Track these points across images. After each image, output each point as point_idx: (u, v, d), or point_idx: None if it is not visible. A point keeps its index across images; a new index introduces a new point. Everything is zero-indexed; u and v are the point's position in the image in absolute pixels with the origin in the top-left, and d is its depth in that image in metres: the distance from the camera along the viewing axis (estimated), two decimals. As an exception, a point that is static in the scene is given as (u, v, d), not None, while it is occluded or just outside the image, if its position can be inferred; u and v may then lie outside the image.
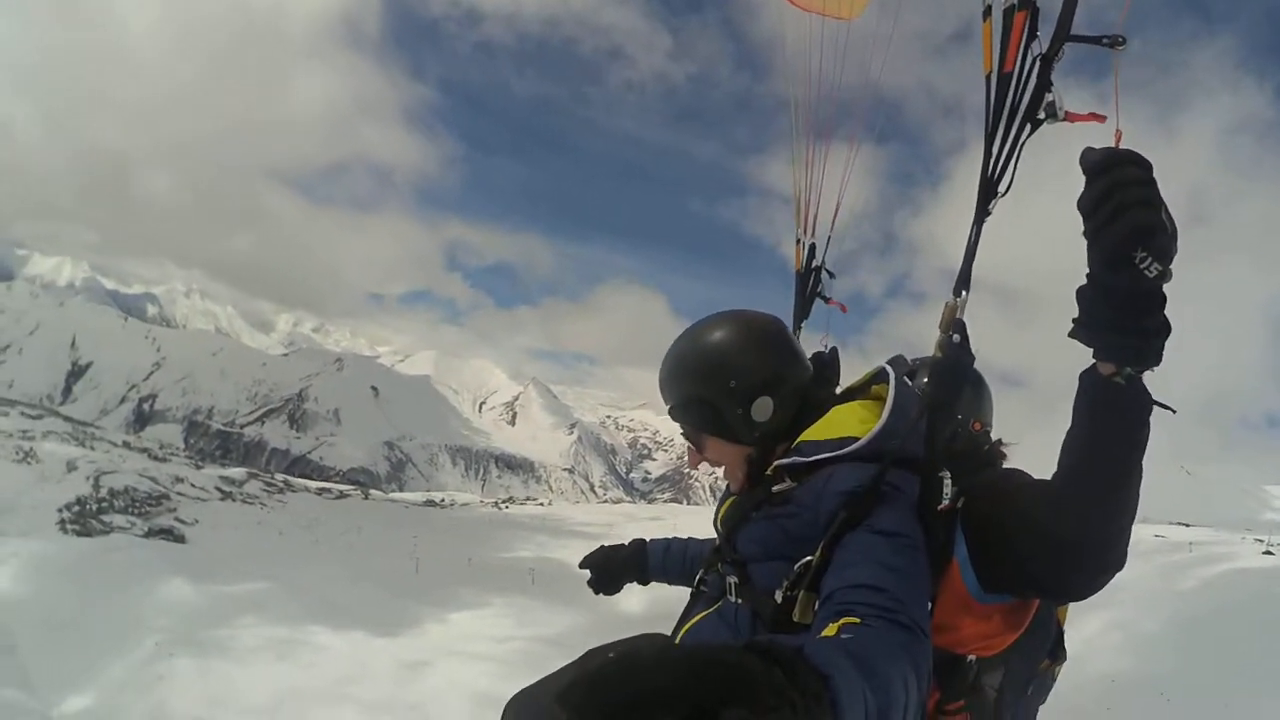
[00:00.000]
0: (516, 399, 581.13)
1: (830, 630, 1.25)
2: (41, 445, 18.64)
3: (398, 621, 10.81)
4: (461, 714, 7.55)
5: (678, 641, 1.76)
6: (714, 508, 2.23)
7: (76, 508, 13.78)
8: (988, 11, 1.60)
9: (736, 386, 1.85)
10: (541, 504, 36.10)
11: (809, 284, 2.71)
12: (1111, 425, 1.42)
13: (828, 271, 2.67)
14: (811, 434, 1.80)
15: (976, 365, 2.15)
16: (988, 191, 1.60)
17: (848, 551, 1.50)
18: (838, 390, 2.02)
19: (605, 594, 2.66)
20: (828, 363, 2.06)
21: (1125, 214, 1.24)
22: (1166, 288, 1.30)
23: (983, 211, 1.61)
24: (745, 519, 1.85)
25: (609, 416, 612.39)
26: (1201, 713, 7.08)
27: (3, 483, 14.89)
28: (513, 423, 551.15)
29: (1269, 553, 16.59)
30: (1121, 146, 1.31)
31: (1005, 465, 2.32)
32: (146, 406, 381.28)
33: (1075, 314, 1.38)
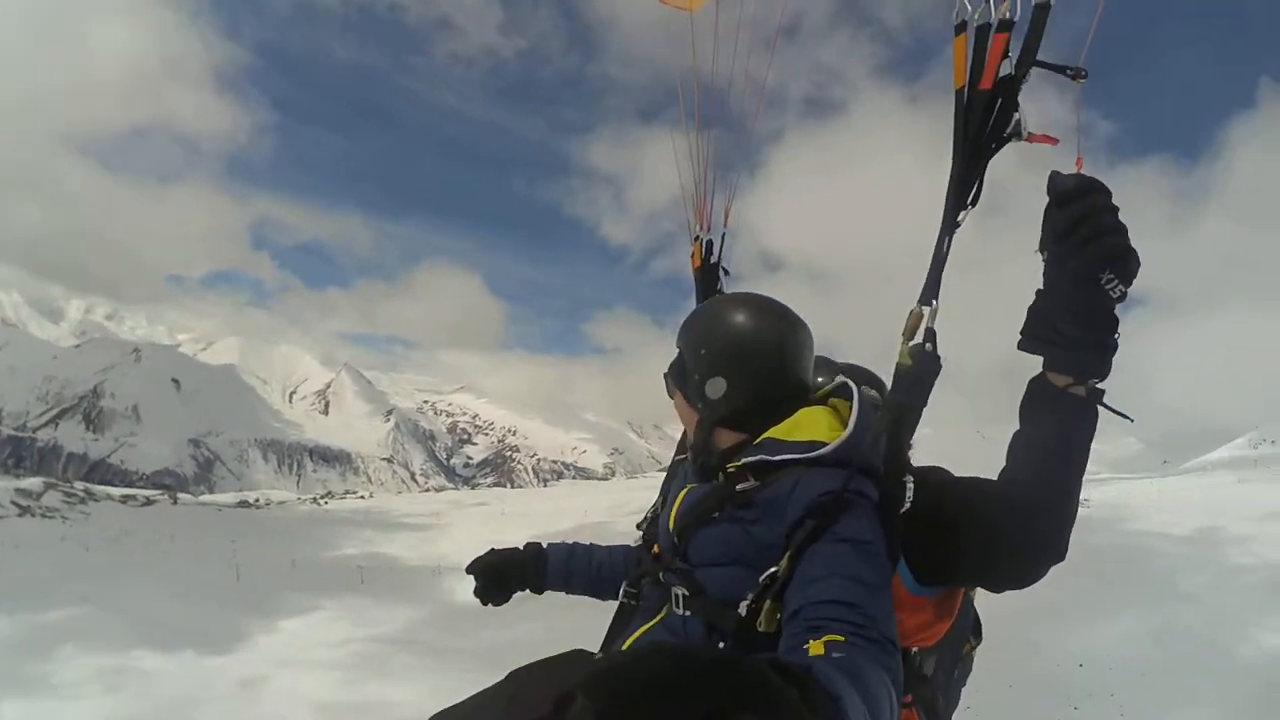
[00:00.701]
0: (329, 387, 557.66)
1: (817, 648, 1.26)
2: None
3: (227, 636, 10.49)
4: (307, 727, 7.54)
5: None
6: (651, 510, 2.25)
7: None
8: (961, 27, 1.62)
9: (704, 356, 1.90)
10: (362, 497, 35.31)
11: (710, 281, 2.72)
12: (1075, 433, 1.53)
13: (724, 269, 2.71)
14: (777, 433, 1.81)
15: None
16: (957, 203, 1.63)
17: (815, 563, 1.51)
18: None
19: (493, 604, 2.47)
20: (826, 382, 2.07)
21: (1100, 239, 1.37)
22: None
23: (952, 222, 1.63)
24: (705, 520, 1.81)
25: (426, 401, 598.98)
26: (1013, 645, 7.70)
27: None
28: (326, 412, 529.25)
29: None
30: (1081, 170, 1.43)
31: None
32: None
33: (1022, 327, 1.53)
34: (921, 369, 1.64)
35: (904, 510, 1.65)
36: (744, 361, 1.88)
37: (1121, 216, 1.40)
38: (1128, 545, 12.26)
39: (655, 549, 2.00)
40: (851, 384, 1.91)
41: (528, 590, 2.49)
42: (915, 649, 1.89)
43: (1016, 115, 1.54)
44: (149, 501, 25.28)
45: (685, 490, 1.95)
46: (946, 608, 1.86)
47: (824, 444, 1.73)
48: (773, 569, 1.56)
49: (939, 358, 1.64)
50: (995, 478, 1.69)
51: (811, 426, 1.80)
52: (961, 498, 1.70)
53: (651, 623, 1.88)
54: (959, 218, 1.62)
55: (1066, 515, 1.57)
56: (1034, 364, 1.57)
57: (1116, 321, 1.46)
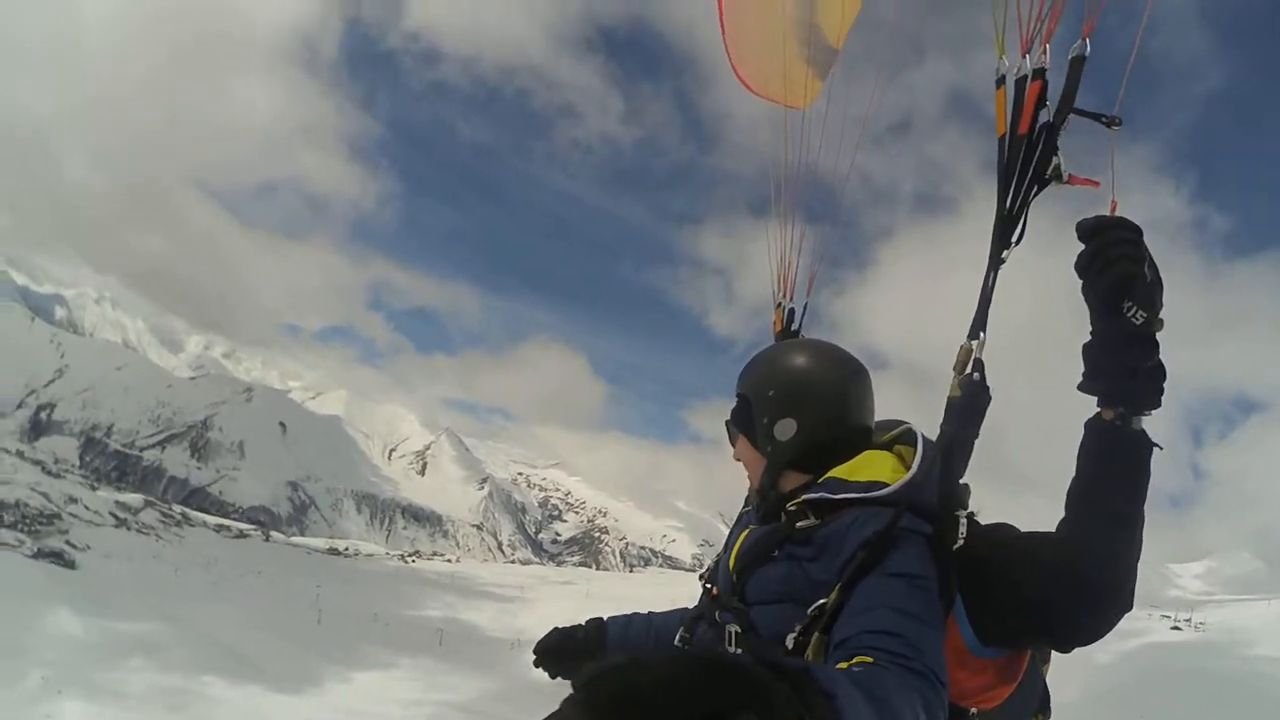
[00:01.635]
0: (428, 448, 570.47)
1: (841, 666, 1.25)
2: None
3: (298, 676, 10.21)
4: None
5: None
6: (714, 559, 2.22)
7: (-39, 517, 12.78)
8: (1000, 80, 1.76)
9: (773, 398, 1.93)
10: (449, 560, 35.31)
11: None
12: (1110, 466, 1.52)
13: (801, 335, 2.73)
14: (841, 472, 1.81)
15: None
16: (1002, 241, 1.72)
17: (863, 596, 1.50)
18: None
19: (564, 677, 2.41)
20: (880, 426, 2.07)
21: (1110, 268, 1.43)
22: (1160, 336, 1.47)
23: (997, 259, 1.72)
24: (765, 559, 1.83)
25: (521, 474, 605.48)
26: None
27: None
28: (423, 473, 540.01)
29: (1177, 628, 17.35)
30: (1116, 214, 1.51)
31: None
32: (44, 415, 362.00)
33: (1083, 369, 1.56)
34: (971, 399, 1.70)
35: (958, 546, 1.66)
36: (813, 401, 1.91)
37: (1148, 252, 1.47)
38: (1247, 672, 11.09)
39: (714, 591, 2.04)
40: (915, 429, 1.92)
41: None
42: (973, 710, 1.79)
43: (1056, 159, 1.63)
44: (242, 534, 25.97)
45: (746, 532, 1.99)
46: (1009, 673, 1.79)
47: (886, 484, 1.74)
48: (821, 600, 1.58)
49: (988, 388, 1.71)
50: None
51: (875, 468, 1.80)
52: (1021, 547, 1.69)
53: None
54: (1003, 255, 1.73)
55: (1117, 554, 1.54)
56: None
57: (1147, 347, 1.48)
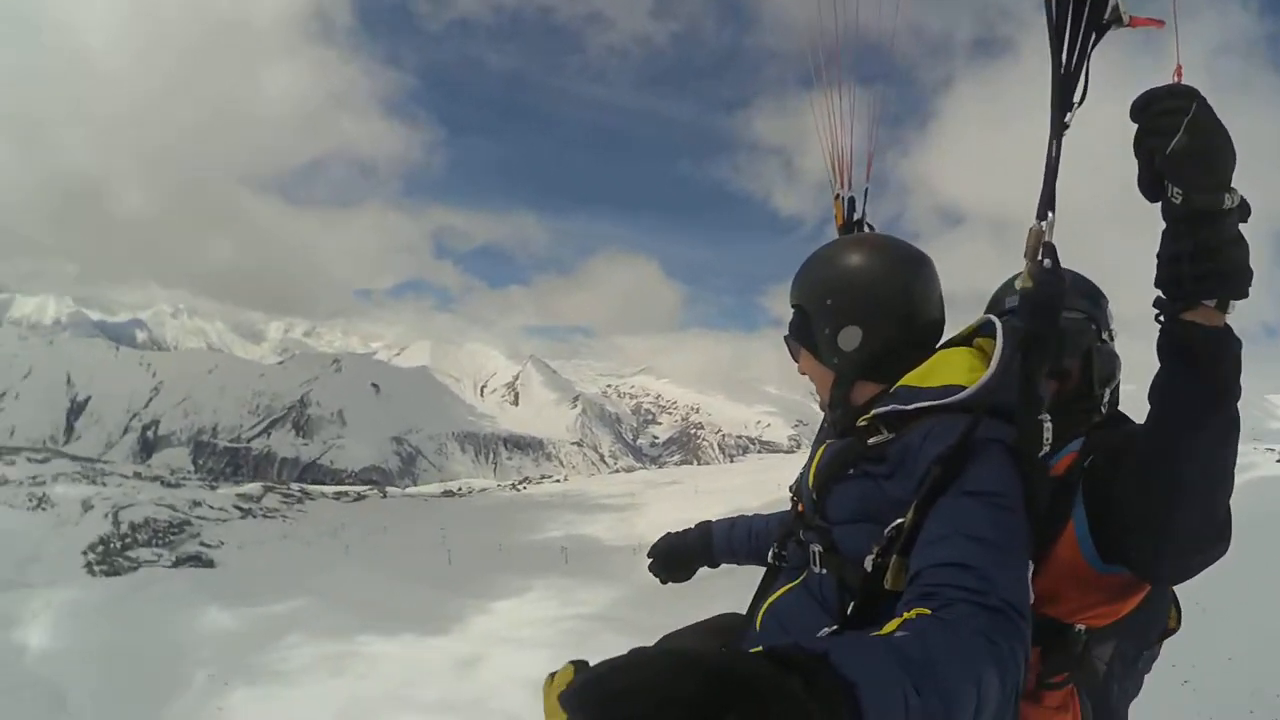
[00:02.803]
0: (516, 378, 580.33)
1: (890, 626, 1.15)
2: (53, 489, 18.36)
3: (443, 617, 10.73)
4: (520, 703, 7.46)
5: (760, 617, 1.87)
6: (804, 466, 2.09)
7: (101, 548, 13.59)
8: None
9: (831, 306, 1.81)
10: (558, 481, 36.17)
11: None
12: (1169, 369, 1.38)
13: (869, 225, 2.53)
14: (912, 379, 1.70)
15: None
16: (1063, 103, 1.50)
17: (938, 520, 1.41)
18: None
19: (675, 581, 2.59)
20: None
21: (1146, 150, 1.30)
22: (1223, 210, 1.28)
23: (1060, 125, 1.50)
24: (841, 477, 1.72)
25: (610, 385, 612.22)
26: (1233, 617, 7.04)
27: (20, 533, 14.59)
28: (516, 403, 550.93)
29: None
30: (1180, 80, 1.31)
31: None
32: (150, 434, 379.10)
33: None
34: (1044, 289, 1.53)
35: (1044, 453, 1.50)
36: (877, 305, 1.79)
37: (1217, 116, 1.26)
38: None
39: (800, 508, 1.95)
40: (995, 319, 1.73)
41: (705, 566, 2.57)
42: (1080, 627, 1.70)
43: None
44: (360, 497, 26.87)
45: (823, 447, 1.90)
46: (1131, 591, 1.65)
47: (961, 388, 1.62)
48: (898, 520, 1.49)
49: (1062, 275, 1.53)
50: None
51: (949, 370, 1.68)
52: (1126, 464, 1.50)
53: (794, 582, 1.82)
54: (1066, 119, 1.50)
55: (1177, 477, 1.37)
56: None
57: (1188, 229, 1.30)
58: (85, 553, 12.90)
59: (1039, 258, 1.53)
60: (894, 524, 1.51)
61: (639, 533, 16.26)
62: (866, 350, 1.80)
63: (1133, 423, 1.96)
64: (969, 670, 1.03)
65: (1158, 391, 1.40)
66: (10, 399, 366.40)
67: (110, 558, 12.85)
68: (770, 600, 1.87)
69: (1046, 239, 1.53)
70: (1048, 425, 1.53)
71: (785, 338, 2.01)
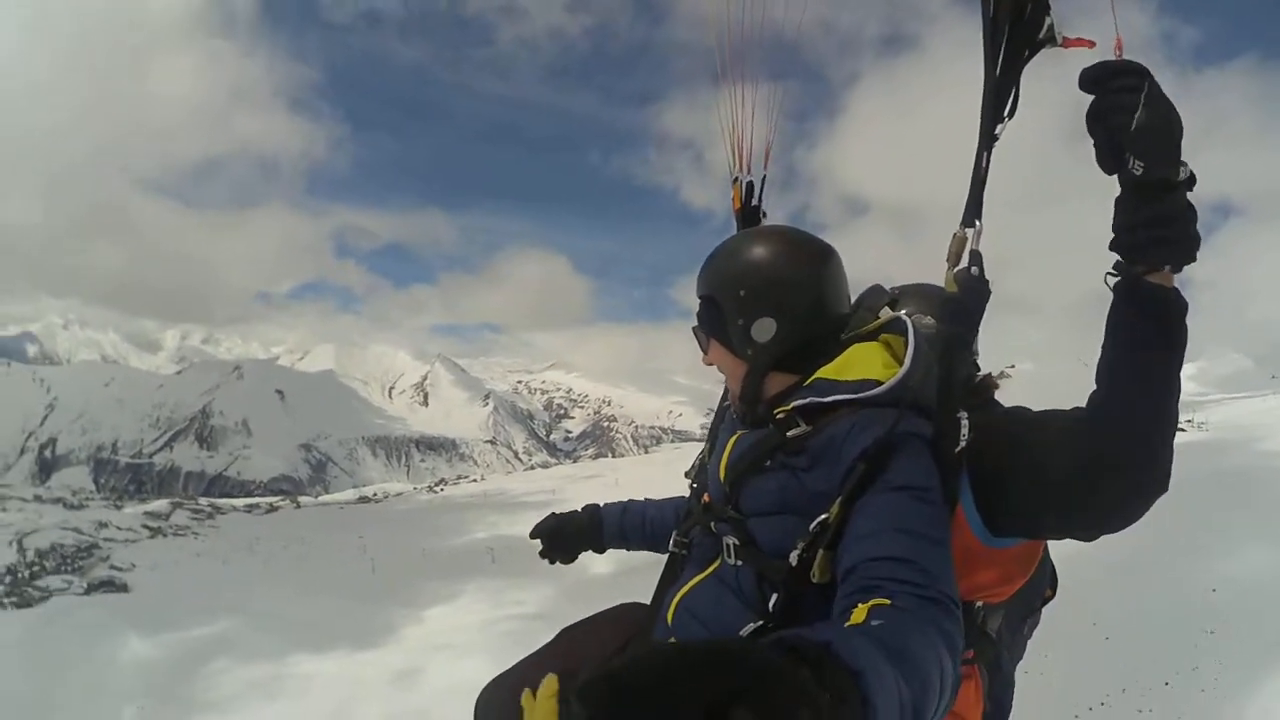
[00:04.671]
0: (425, 379, 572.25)
1: (859, 615, 1.19)
2: (-50, 517, 17.23)
3: (374, 630, 10.40)
4: (465, 713, 7.30)
5: (673, 608, 1.88)
6: (699, 458, 2.20)
7: (9, 578, 12.75)
8: None
9: (745, 297, 1.81)
10: (475, 481, 35.59)
11: (750, 224, 2.57)
12: (1123, 328, 1.42)
13: (763, 211, 2.55)
14: (829, 372, 1.74)
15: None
16: (994, 116, 1.56)
17: (868, 515, 1.45)
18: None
19: (561, 563, 2.59)
20: (862, 303, 1.96)
21: (1103, 122, 1.33)
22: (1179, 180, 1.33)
23: (989, 136, 1.56)
24: (757, 469, 1.75)
25: (520, 382, 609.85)
26: (1145, 574, 7.44)
27: None
28: (426, 403, 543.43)
29: (1181, 429, 17.63)
30: (1121, 54, 1.35)
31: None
32: (48, 453, 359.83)
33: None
34: (969, 295, 1.59)
35: (960, 449, 1.57)
36: (790, 295, 1.80)
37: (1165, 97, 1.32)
38: (1258, 466, 11.20)
39: (706, 497, 1.97)
40: (905, 318, 1.83)
41: (592, 550, 2.58)
42: (979, 604, 1.82)
43: (1049, 19, 1.48)
44: (273, 508, 25.94)
45: (735, 437, 1.90)
46: (1026, 561, 1.76)
47: (878, 383, 1.67)
48: (823, 516, 1.52)
49: (987, 281, 1.59)
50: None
51: (864, 364, 1.73)
52: (1041, 430, 1.60)
53: (704, 573, 1.85)
54: (996, 131, 1.56)
55: (1153, 434, 1.43)
56: None
57: (1152, 199, 1.34)
58: (-9, 584, 12.11)
59: (968, 265, 1.59)
60: (819, 519, 1.53)
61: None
62: (780, 342, 1.81)
63: (997, 405, 2.08)
64: (934, 657, 1.08)
65: (1124, 348, 1.43)
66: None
67: (19, 588, 12.06)
68: (683, 592, 1.88)
69: (972, 246, 1.58)
70: (965, 421, 1.59)
71: (694, 329, 2.00)
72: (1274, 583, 6.81)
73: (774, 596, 1.63)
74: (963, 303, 1.60)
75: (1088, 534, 1.59)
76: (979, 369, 2.24)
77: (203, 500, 26.89)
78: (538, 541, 2.59)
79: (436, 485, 35.53)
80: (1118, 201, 1.38)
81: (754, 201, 2.54)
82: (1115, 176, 1.37)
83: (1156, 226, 1.34)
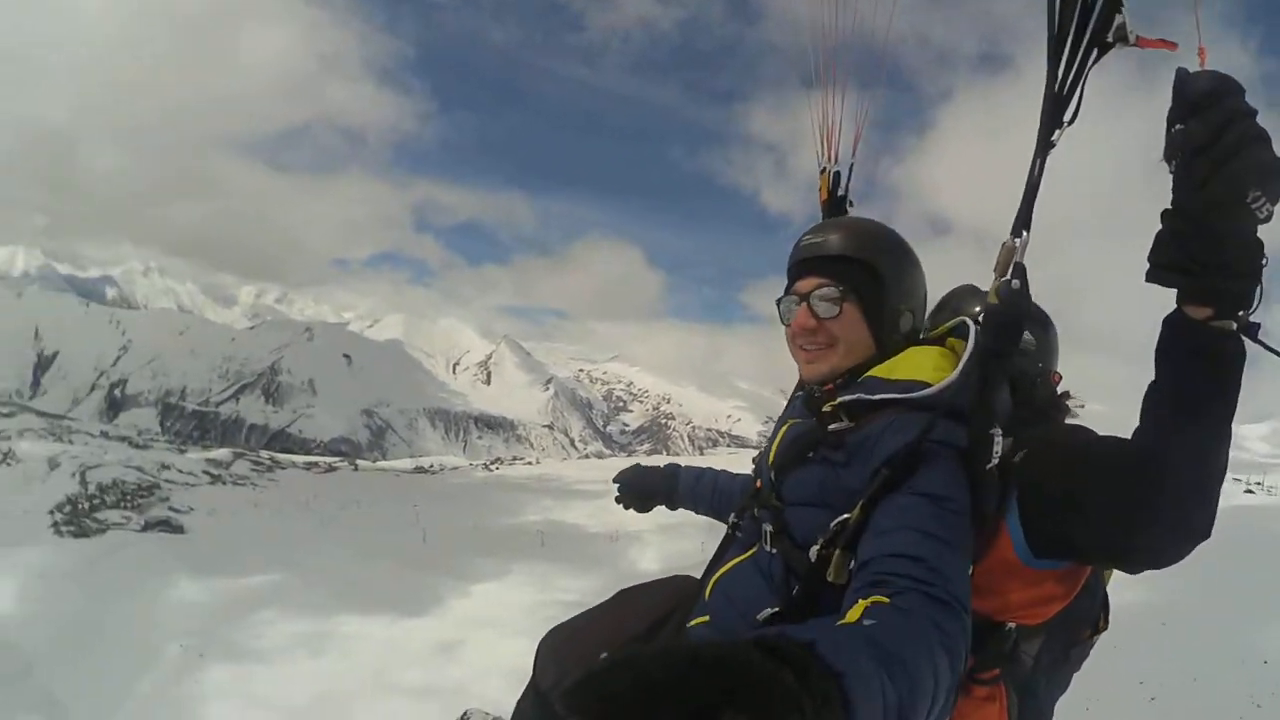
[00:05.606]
0: (490, 358, 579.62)
1: (854, 613, 1.17)
2: (18, 444, 17.85)
3: (420, 599, 10.46)
4: (503, 689, 7.24)
5: (711, 585, 1.93)
6: (767, 442, 2.13)
7: (69, 508, 13.13)
8: None
9: (907, 286, 1.84)
10: (530, 463, 35.89)
11: (836, 214, 2.53)
12: (1216, 375, 1.30)
13: (849, 202, 2.53)
14: (881, 371, 1.73)
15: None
16: (1052, 121, 1.46)
17: (887, 514, 1.43)
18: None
19: (635, 510, 2.71)
20: (947, 304, 2.18)
21: (1245, 153, 1.17)
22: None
23: (1045, 143, 1.47)
24: (800, 459, 1.77)
25: (582, 370, 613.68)
26: (1198, 637, 7.15)
27: None
28: (488, 382, 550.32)
29: (1250, 491, 16.89)
30: (1205, 64, 1.25)
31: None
32: (118, 393, 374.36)
33: (1150, 253, 1.30)
34: (1009, 308, 1.52)
35: (993, 465, 1.52)
36: (923, 299, 1.87)
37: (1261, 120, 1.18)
38: None
39: (758, 484, 1.99)
40: (969, 322, 1.76)
41: (664, 506, 2.69)
42: (1010, 625, 1.74)
43: (1120, 17, 1.36)
44: (331, 468, 26.41)
45: (786, 426, 1.93)
46: (1065, 587, 1.65)
47: (926, 384, 1.64)
48: (844, 515, 1.52)
49: (1028, 296, 1.52)
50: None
51: (916, 366, 1.70)
52: (1092, 456, 1.51)
53: (742, 557, 1.88)
54: (1053, 137, 1.47)
55: (1208, 473, 1.34)
56: None
57: (1262, 245, 1.23)
58: (52, 512, 12.45)
59: (1008, 276, 1.52)
60: (841, 518, 1.53)
61: (618, 521, 16.08)
62: (905, 336, 1.84)
63: (1056, 420, 2.07)
64: (928, 658, 1.05)
65: (1207, 387, 1.32)
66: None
67: (78, 519, 12.41)
68: (721, 571, 1.92)
69: (1018, 259, 1.51)
70: (998, 438, 1.53)
71: (831, 285, 1.81)
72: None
73: (795, 589, 1.65)
74: (1002, 316, 1.54)
75: (1125, 569, 1.53)
76: (1041, 383, 2.20)
77: (264, 453, 27.54)
78: (615, 483, 2.73)
79: (492, 464, 35.91)
80: (1223, 242, 1.24)
81: (840, 192, 2.52)
82: (1218, 213, 1.22)
83: (1258, 275, 1.26)
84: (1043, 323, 2.33)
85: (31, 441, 18.85)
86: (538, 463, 38.67)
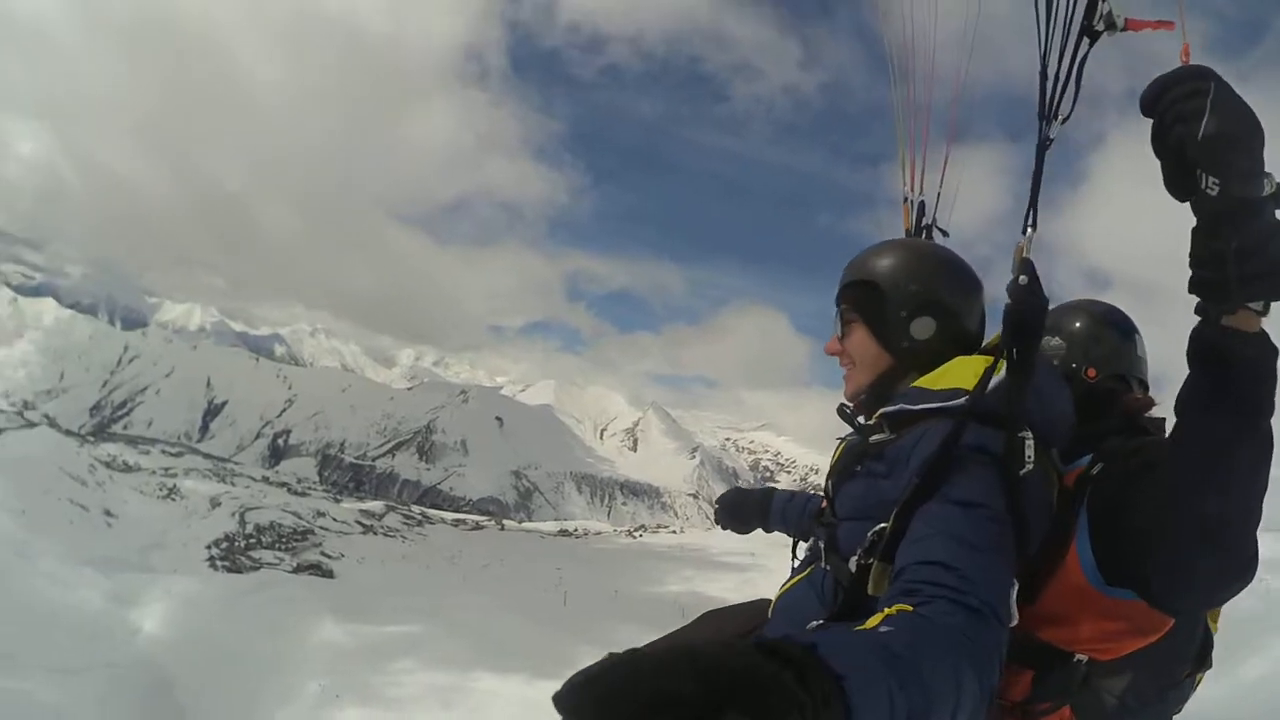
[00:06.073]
0: (637, 425, 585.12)
1: (874, 620, 1.12)
2: (184, 482, 19.14)
3: (556, 660, 10.25)
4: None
5: (773, 605, 1.97)
6: None
7: (225, 544, 13.92)
8: None
9: (915, 292, 1.80)
10: (674, 532, 35.54)
11: None
12: (1199, 380, 1.26)
13: (940, 230, 2.47)
14: (924, 381, 1.69)
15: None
16: (1048, 116, 1.47)
17: (922, 521, 1.39)
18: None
19: (734, 532, 2.77)
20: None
21: (1166, 136, 1.17)
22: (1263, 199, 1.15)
23: (1044, 140, 1.48)
24: (849, 474, 1.75)
25: (729, 439, 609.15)
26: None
27: (148, 520, 15.20)
28: (634, 449, 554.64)
29: None
30: (1189, 61, 1.21)
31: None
32: (281, 442, 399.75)
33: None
34: (1019, 306, 1.49)
35: (1026, 471, 1.44)
36: (958, 303, 1.82)
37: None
38: None
39: (824, 503, 1.99)
40: None
41: (760, 528, 2.71)
42: (1081, 658, 1.57)
43: (1105, 3, 1.35)
44: (478, 526, 26.98)
45: (841, 443, 1.92)
46: (1148, 621, 1.46)
47: (966, 392, 1.57)
48: (880, 525, 1.50)
49: (1037, 292, 1.49)
50: None
51: (959, 374, 1.63)
52: (1147, 478, 1.42)
53: (802, 575, 1.89)
54: (1050, 133, 1.49)
55: (1208, 498, 1.23)
56: None
57: (1231, 224, 1.14)
58: (209, 547, 13.18)
59: (1016, 276, 1.50)
60: (877, 528, 1.51)
61: (761, 593, 15.42)
62: (935, 343, 1.79)
63: (1151, 432, 1.90)
64: (949, 668, 1.02)
65: (1186, 406, 1.28)
66: (151, 394, 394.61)
67: (233, 555, 13.10)
68: (782, 589, 1.95)
69: (1025, 255, 1.49)
70: (1029, 442, 1.47)
71: (840, 309, 1.91)
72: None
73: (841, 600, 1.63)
74: (1016, 316, 1.50)
75: (1162, 608, 1.42)
76: (1117, 386, 2.13)
77: (415, 508, 28.50)
78: (715, 505, 2.84)
79: (636, 530, 35.80)
80: (1194, 232, 1.21)
81: (925, 221, 2.49)
82: (1190, 204, 1.21)
83: (1244, 259, 1.15)
84: (1124, 330, 2.25)
85: (196, 480, 20.18)
86: (681, 531, 38.25)
